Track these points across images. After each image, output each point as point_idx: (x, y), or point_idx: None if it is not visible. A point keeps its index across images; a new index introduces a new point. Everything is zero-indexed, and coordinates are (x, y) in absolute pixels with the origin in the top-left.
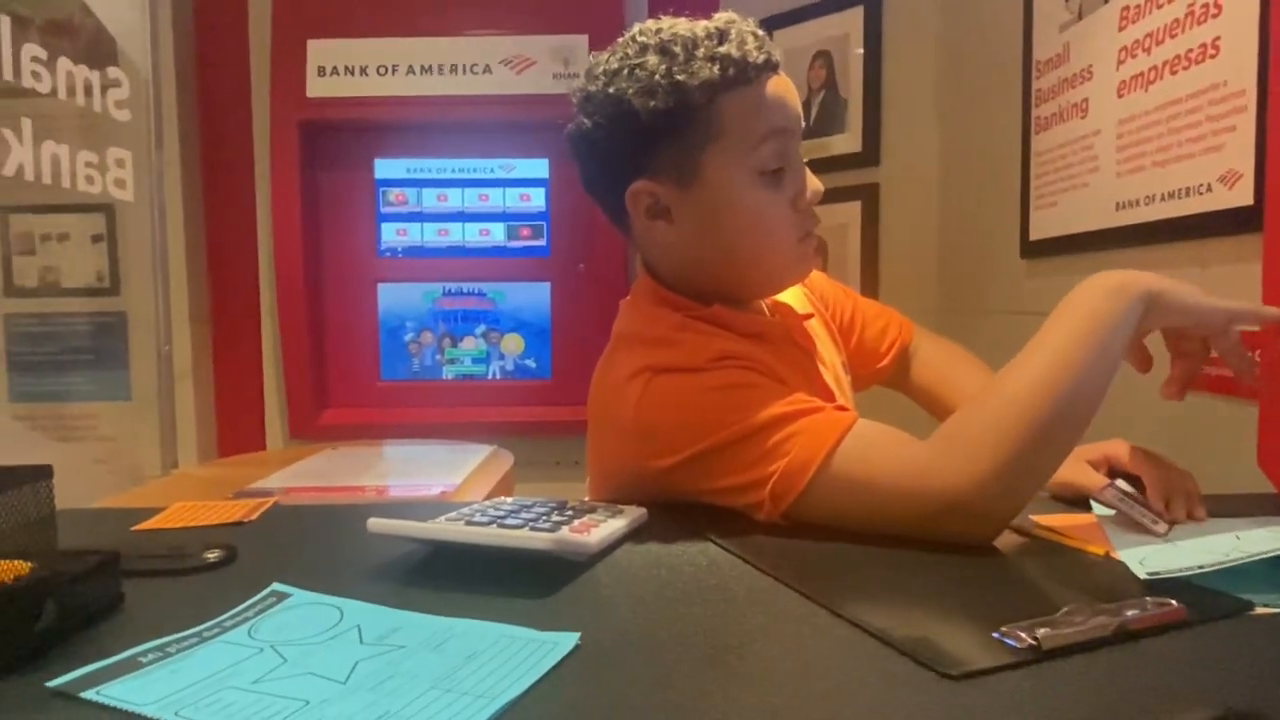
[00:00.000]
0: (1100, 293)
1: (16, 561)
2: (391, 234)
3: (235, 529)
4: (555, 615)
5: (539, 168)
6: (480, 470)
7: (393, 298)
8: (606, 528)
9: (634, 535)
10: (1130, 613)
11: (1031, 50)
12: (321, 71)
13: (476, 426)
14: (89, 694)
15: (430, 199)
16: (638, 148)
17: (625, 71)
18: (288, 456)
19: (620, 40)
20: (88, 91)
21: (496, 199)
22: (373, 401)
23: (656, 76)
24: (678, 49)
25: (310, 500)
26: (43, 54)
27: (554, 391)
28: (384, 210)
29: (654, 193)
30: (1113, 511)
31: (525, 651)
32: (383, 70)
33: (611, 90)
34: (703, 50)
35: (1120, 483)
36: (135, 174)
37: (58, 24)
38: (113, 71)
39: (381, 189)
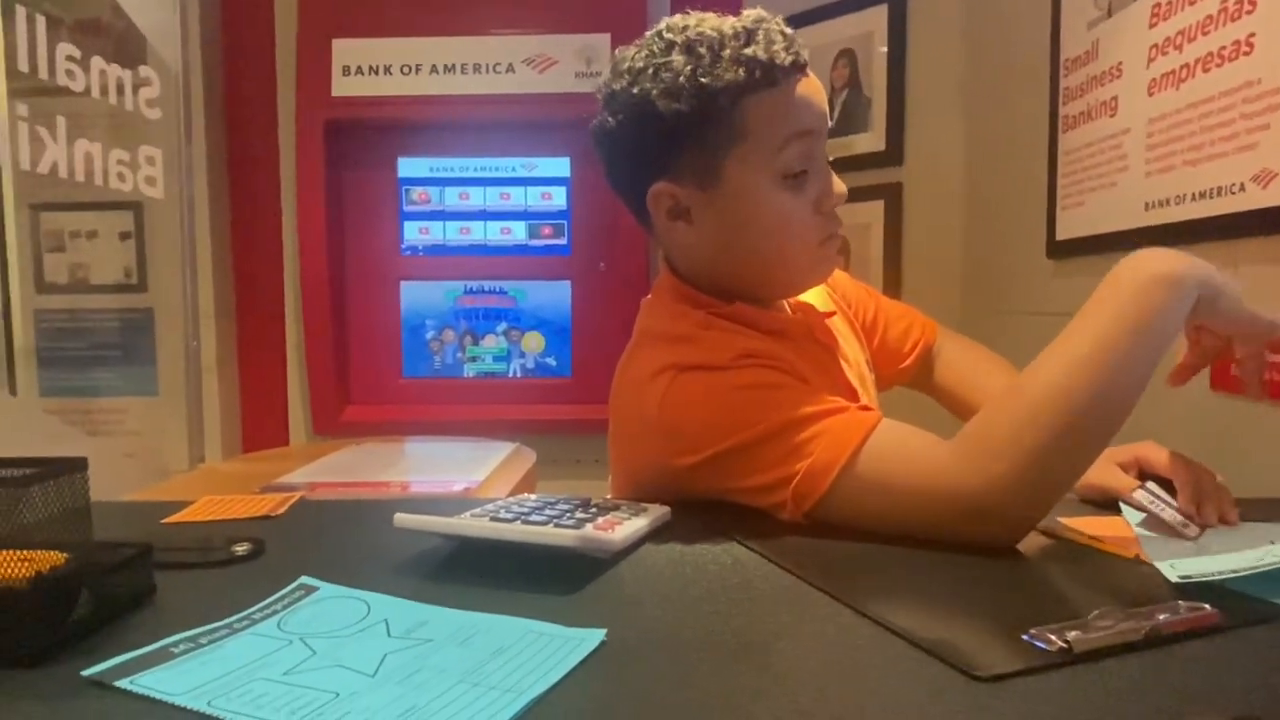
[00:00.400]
0: (1148, 280)
1: (53, 552)
2: (414, 232)
3: (262, 523)
4: (581, 612)
5: (560, 166)
6: (503, 467)
7: (415, 296)
8: (630, 525)
9: (658, 533)
10: (1162, 617)
11: (1059, 48)
12: (346, 71)
13: (497, 424)
14: (123, 683)
15: (452, 197)
16: (660, 148)
17: (650, 71)
18: (311, 452)
19: (647, 36)
20: (119, 90)
21: (518, 198)
22: (394, 398)
23: (681, 78)
24: (703, 50)
25: (335, 495)
26: (77, 53)
27: (574, 390)
28: (407, 209)
29: (675, 194)
30: (1143, 515)
31: (551, 647)
32: (406, 69)
33: (636, 90)
34: (729, 51)
35: (1151, 485)
36: (165, 172)
37: (88, 23)
38: (143, 70)
39: (405, 187)
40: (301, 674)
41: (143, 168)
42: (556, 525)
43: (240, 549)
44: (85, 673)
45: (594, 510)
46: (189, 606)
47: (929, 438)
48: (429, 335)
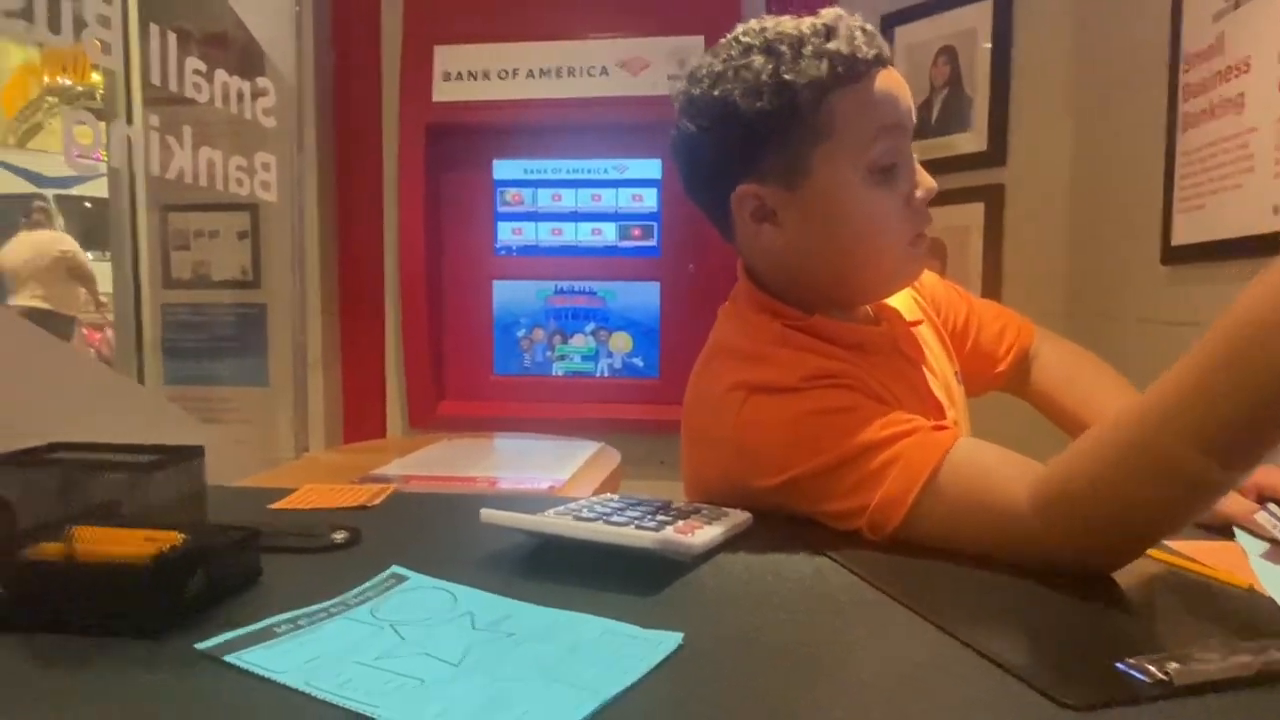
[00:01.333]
0: None
1: (172, 532)
2: (507, 233)
3: (359, 513)
4: (658, 614)
5: (651, 168)
6: (587, 466)
7: (507, 295)
8: (710, 530)
9: (739, 539)
10: (1276, 653)
11: (1180, 41)
12: (447, 76)
13: (584, 423)
14: (231, 658)
15: (545, 199)
16: (743, 150)
17: (730, 73)
18: (406, 445)
19: (723, 42)
20: (239, 100)
21: (609, 199)
22: (486, 395)
23: (763, 76)
24: (784, 48)
25: (426, 488)
26: (202, 67)
27: (661, 390)
28: (501, 210)
29: (760, 195)
30: (1264, 545)
31: (630, 648)
32: (504, 74)
33: (716, 93)
34: (810, 48)
35: (1273, 507)
36: (278, 176)
37: (214, 37)
38: (261, 81)
39: (499, 189)
40: (390, 660)
41: (258, 173)
42: (637, 526)
43: (339, 537)
44: (198, 646)
45: (674, 513)
46: (291, 589)
47: (1007, 468)
48: (520, 334)
